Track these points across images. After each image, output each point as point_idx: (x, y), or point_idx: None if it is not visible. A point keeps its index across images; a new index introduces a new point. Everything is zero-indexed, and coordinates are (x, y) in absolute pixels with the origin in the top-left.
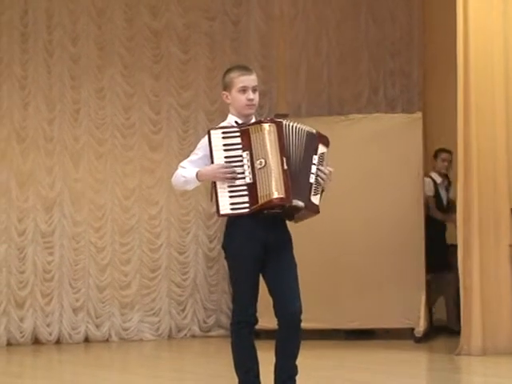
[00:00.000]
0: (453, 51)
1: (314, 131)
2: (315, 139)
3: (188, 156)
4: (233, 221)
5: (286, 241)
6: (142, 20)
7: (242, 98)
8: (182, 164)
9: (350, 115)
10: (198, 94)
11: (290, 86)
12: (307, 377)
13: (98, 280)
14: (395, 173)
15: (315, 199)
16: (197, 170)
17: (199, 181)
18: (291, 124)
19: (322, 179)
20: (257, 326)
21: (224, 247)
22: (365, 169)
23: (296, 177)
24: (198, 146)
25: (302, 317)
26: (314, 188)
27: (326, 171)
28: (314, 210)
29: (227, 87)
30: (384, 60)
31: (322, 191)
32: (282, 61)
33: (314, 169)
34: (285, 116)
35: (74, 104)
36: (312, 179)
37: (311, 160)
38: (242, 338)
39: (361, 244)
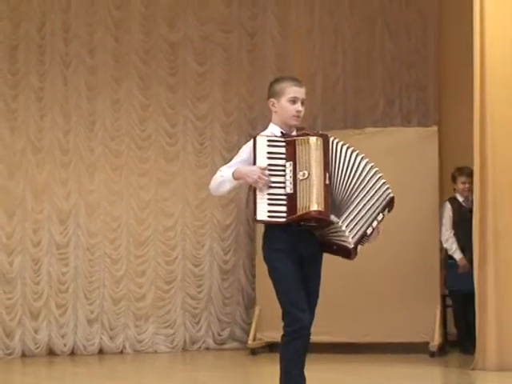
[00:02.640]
0: (469, 64)
1: (392, 194)
2: (389, 203)
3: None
4: (270, 234)
5: (319, 255)
6: (159, 32)
7: (291, 109)
8: (220, 169)
9: (366, 129)
10: (214, 106)
11: (306, 99)
12: None
13: (113, 292)
14: (411, 187)
15: (359, 247)
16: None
17: (235, 179)
18: (343, 145)
19: (372, 237)
20: (271, 339)
21: (265, 260)
22: None
23: (343, 197)
24: (240, 150)
25: (318, 330)
26: (365, 239)
27: (378, 233)
28: (353, 255)
29: (276, 95)
30: (400, 73)
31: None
32: (298, 73)
33: (375, 224)
34: (302, 129)
35: (90, 116)
36: (369, 231)
37: (377, 216)
38: (296, 350)
39: (376, 258)
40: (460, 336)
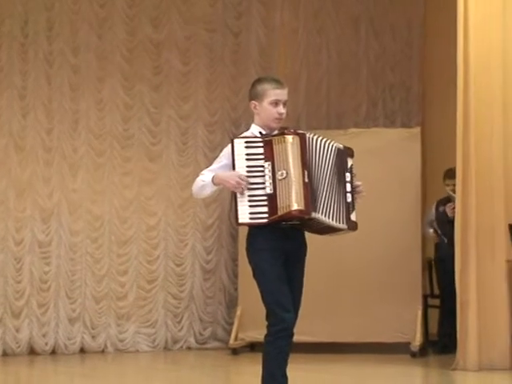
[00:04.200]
0: (453, 65)
1: (341, 146)
2: (344, 155)
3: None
4: (254, 234)
5: (303, 253)
6: (143, 31)
7: (273, 111)
8: (202, 172)
9: (349, 130)
10: (198, 106)
11: (289, 99)
12: None
13: (95, 291)
14: (393, 187)
15: (353, 216)
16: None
17: (214, 184)
18: (315, 137)
19: (356, 196)
20: (253, 339)
21: (250, 260)
22: (363, 183)
23: (321, 192)
24: (221, 154)
25: (300, 330)
26: (351, 206)
27: (360, 188)
28: (353, 228)
29: (258, 97)
30: (384, 73)
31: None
32: (282, 73)
33: (349, 187)
34: (285, 128)
35: (73, 114)
36: (349, 198)
37: (345, 178)
38: (280, 350)
39: (358, 258)
40: (441, 335)
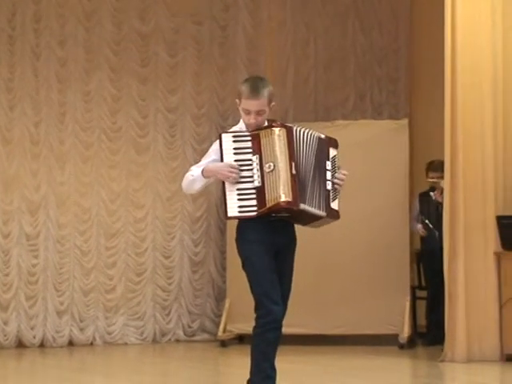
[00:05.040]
0: (440, 58)
1: (323, 136)
2: (325, 144)
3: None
4: (243, 226)
5: (292, 246)
6: (130, 24)
7: (245, 118)
8: (191, 168)
9: (337, 121)
10: (185, 98)
11: (277, 92)
12: (290, 382)
13: (83, 283)
14: (381, 179)
15: (334, 205)
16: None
17: (204, 177)
18: (301, 130)
19: (339, 184)
20: (242, 331)
21: (239, 252)
22: (350, 175)
23: (307, 183)
24: (209, 150)
25: (289, 322)
26: (332, 194)
27: (342, 176)
28: (334, 216)
29: (239, 97)
30: (371, 66)
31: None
32: (270, 66)
33: (329, 175)
34: (272, 121)
35: (61, 107)
36: (329, 186)
37: (325, 166)
38: (268, 342)
39: (346, 250)
40: (430, 326)
